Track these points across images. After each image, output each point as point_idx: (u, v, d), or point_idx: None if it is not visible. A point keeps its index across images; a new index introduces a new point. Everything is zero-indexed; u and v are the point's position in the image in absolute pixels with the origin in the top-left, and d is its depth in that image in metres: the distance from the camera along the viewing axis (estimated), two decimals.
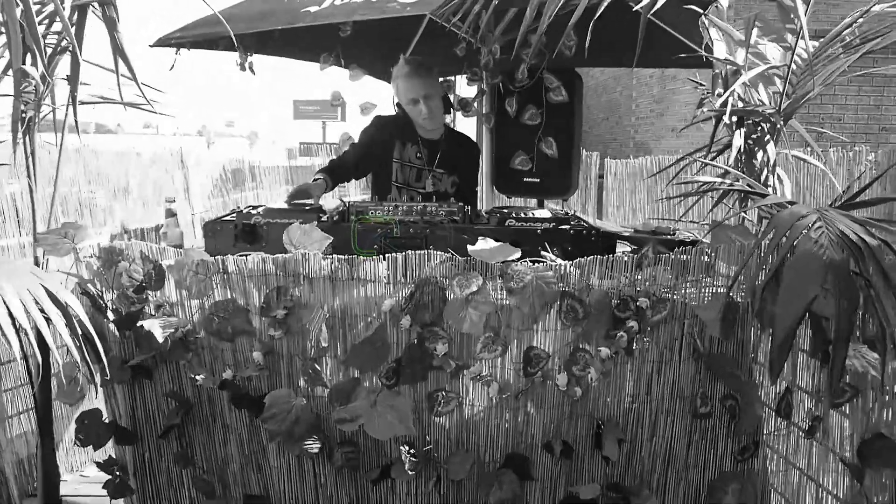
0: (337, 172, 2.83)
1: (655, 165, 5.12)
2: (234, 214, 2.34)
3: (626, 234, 2.40)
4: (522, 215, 2.38)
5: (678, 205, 4.66)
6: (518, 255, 1.77)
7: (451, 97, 3.34)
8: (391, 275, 1.76)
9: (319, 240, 1.83)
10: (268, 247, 2.19)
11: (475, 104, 3.29)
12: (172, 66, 2.97)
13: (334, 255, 1.77)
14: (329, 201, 2.24)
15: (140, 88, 1.62)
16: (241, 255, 1.82)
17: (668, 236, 2.32)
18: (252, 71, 3.10)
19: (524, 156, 2.99)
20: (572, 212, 2.90)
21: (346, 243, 2.21)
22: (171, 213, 2.24)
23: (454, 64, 3.28)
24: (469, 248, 1.78)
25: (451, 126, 3.37)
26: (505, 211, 2.45)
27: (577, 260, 1.76)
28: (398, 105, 2.88)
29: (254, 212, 2.38)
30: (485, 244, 1.82)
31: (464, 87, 3.75)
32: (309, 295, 1.79)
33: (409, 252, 1.75)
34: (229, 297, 1.83)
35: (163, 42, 2.87)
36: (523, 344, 1.79)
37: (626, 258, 1.79)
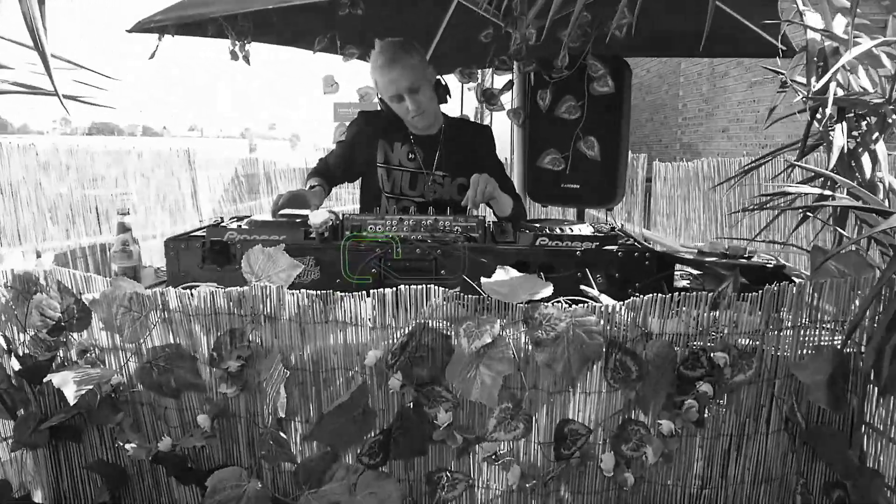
0: (327, 176, 2.40)
1: (713, 169, 4.54)
2: (205, 229, 1.93)
3: (689, 255, 1.92)
4: (558, 231, 1.92)
5: (744, 216, 4.08)
6: (549, 290, 1.31)
7: (474, 87, 2.88)
8: (377, 316, 1.32)
9: (287, 267, 1.40)
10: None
11: (502, 97, 2.84)
12: (153, 54, 2.60)
13: (303, 290, 1.33)
14: (316, 214, 1.81)
15: (46, 62, 1.20)
16: (186, 287, 1.40)
17: (744, 260, 1.84)
18: (247, 61, 2.71)
19: (556, 154, 2.52)
20: (619, 224, 2.43)
21: (337, 267, 1.78)
22: (123, 228, 1.84)
23: (480, 52, 2.84)
24: (483, 281, 1.32)
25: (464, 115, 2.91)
26: (536, 226, 2.00)
27: (631, 300, 1.29)
28: (382, 100, 2.40)
29: (233, 225, 1.97)
30: (504, 275, 1.36)
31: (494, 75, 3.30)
32: (272, 340, 1.36)
33: (402, 286, 1.30)
34: (171, 340, 1.41)
35: (142, 26, 2.49)
36: (555, 413, 1.33)
37: (696, 295, 1.31)
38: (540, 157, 2.56)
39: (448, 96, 2.46)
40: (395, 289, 1.30)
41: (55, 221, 3.54)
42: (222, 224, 1.99)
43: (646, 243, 1.92)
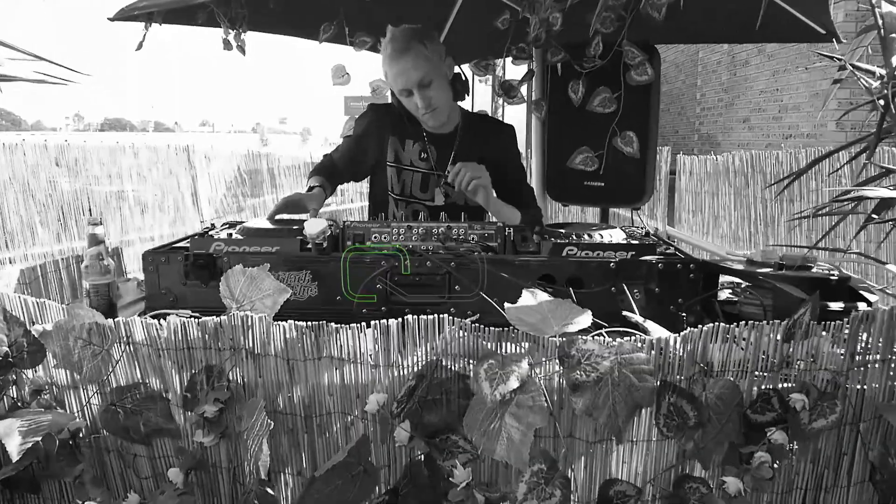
0: (330, 175, 2.18)
1: (745, 163, 4.25)
2: (188, 240, 1.72)
3: (738, 266, 1.68)
4: (586, 238, 1.69)
5: (782, 214, 3.75)
6: (588, 321, 1.08)
7: (484, 80, 2.64)
8: (380, 352, 1.10)
9: (273, 291, 1.18)
10: None
11: (521, 89, 2.60)
12: (140, 44, 2.38)
13: (292, 322, 1.11)
14: (312, 223, 1.59)
15: None
16: (155, 315, 1.18)
17: (804, 271, 1.60)
18: (242, 51, 2.48)
19: (588, 153, 2.27)
20: (653, 228, 2.19)
21: (337, 283, 1.56)
22: (96, 240, 1.63)
23: (497, 40, 2.60)
24: (507, 308, 1.10)
25: (483, 110, 2.68)
26: (561, 232, 1.76)
27: (688, 331, 1.06)
28: (393, 93, 2.18)
29: (223, 234, 1.75)
30: (531, 299, 1.14)
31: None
32: (255, 380, 1.15)
33: (409, 317, 1.08)
34: (139, 379, 1.19)
35: (125, 14, 2.27)
36: (595, 467, 1.10)
37: (767, 324, 1.08)
38: (571, 157, 2.32)
39: (466, 93, 2.24)
40: (400, 319, 1.08)
41: (45, 225, 3.35)
42: (210, 233, 1.78)
43: (689, 252, 1.69)
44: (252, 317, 1.11)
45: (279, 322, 1.12)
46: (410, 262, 1.55)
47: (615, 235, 1.76)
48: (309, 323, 1.10)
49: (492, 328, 1.06)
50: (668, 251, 1.69)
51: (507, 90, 2.63)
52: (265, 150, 5.42)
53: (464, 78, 2.25)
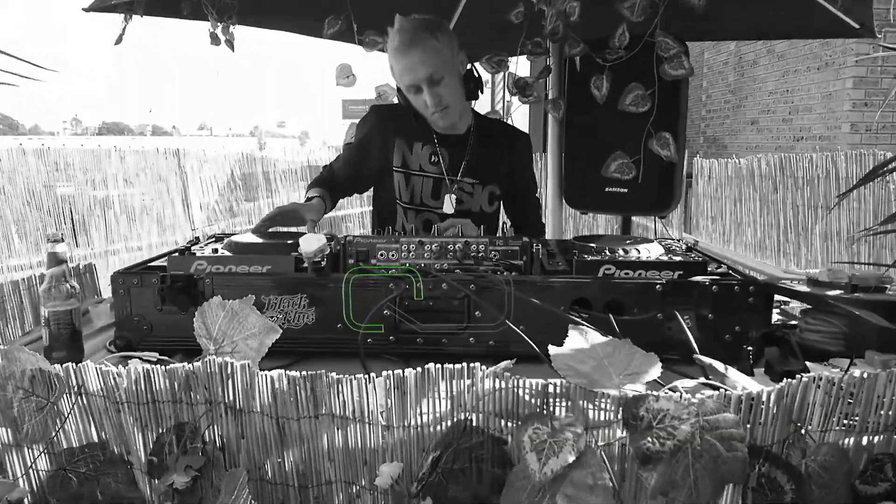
0: (331, 187, 1.96)
1: (773, 167, 4.03)
2: (166, 258, 1.49)
3: (799, 286, 1.46)
4: (622, 254, 1.47)
5: (815, 224, 3.50)
6: (658, 371, 0.86)
7: (504, 76, 2.43)
8: (393, 408, 0.87)
9: (259, 330, 0.95)
10: None
11: (537, 85, 2.38)
12: (120, 38, 2.17)
13: (281, 371, 0.89)
14: (308, 239, 1.37)
15: None
16: (109, 360, 0.96)
17: (880, 294, 1.38)
18: (231, 46, 2.27)
19: (624, 160, 2.05)
20: (692, 240, 1.97)
21: (337, 308, 1.34)
22: (56, 261, 1.40)
23: (510, 35, 2.39)
24: (552, 353, 0.87)
25: (499, 113, 2.47)
26: (592, 247, 1.54)
27: (787, 382, 0.84)
28: (400, 90, 1.98)
29: (207, 250, 1.53)
30: (581, 341, 0.92)
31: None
32: (237, 442, 0.92)
33: (430, 366, 0.86)
34: (94, 439, 0.97)
35: (102, 4, 2.06)
36: None
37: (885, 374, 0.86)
38: (605, 164, 2.09)
39: (480, 91, 2.03)
40: (420, 369, 0.86)
41: (22, 235, 3.13)
42: (192, 249, 1.56)
43: (746, 271, 1.46)
44: (233, 364, 0.89)
45: (266, 370, 0.89)
46: (423, 284, 1.32)
47: (654, 250, 1.54)
48: (304, 372, 0.87)
49: (536, 382, 0.83)
50: (718, 269, 1.47)
51: (521, 88, 2.41)
52: (261, 154, 5.19)
53: (477, 75, 2.04)
